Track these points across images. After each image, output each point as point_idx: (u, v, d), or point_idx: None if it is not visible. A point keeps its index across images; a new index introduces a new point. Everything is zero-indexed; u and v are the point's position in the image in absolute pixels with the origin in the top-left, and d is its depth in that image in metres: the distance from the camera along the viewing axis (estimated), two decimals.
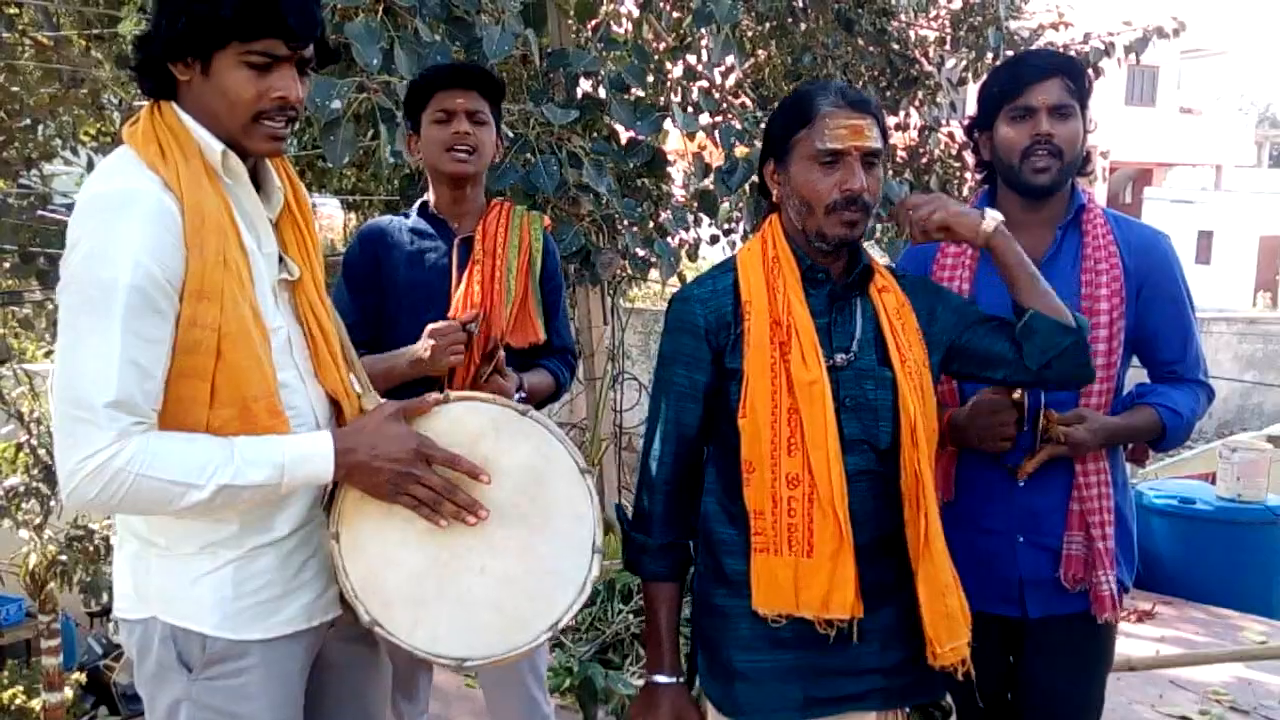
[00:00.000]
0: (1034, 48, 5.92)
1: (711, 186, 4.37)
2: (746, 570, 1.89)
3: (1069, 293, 2.22)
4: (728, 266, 2.00)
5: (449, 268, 2.57)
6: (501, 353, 2.43)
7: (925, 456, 1.89)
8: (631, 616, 4.44)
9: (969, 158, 6.68)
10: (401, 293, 2.57)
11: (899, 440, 1.88)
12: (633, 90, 3.89)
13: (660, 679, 1.98)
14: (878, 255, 2.55)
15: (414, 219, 2.65)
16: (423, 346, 2.38)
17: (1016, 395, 2.14)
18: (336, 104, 2.91)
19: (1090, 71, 5.98)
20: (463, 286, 2.54)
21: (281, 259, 1.81)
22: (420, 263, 2.59)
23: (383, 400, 1.89)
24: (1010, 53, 6.05)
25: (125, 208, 1.58)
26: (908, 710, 1.98)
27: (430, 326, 2.39)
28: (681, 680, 2.00)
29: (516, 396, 2.44)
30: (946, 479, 2.28)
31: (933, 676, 1.94)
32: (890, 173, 6.41)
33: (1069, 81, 2.20)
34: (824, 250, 1.93)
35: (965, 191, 6.84)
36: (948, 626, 1.88)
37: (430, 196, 2.66)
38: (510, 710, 2.67)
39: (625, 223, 4.38)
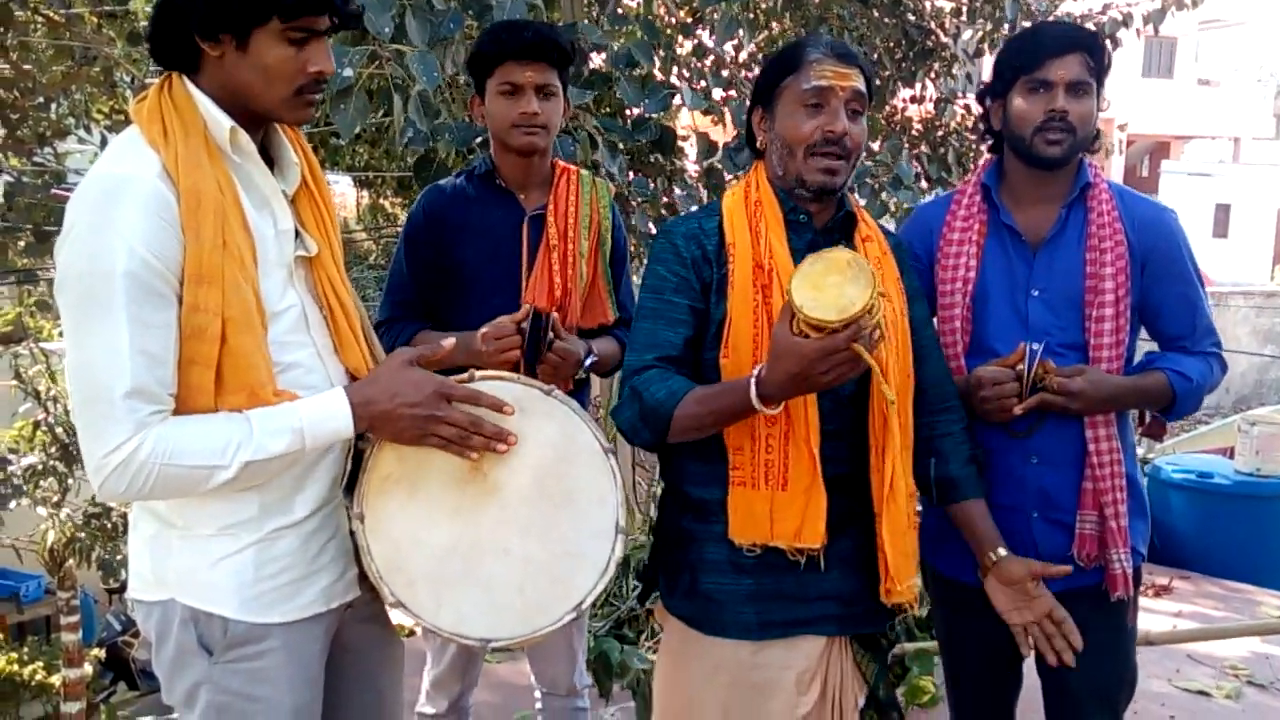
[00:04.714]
0: (1052, 19, 5.86)
1: (719, 164, 4.34)
2: (712, 499, 1.97)
3: (1074, 270, 2.22)
4: (714, 210, 2.05)
5: (519, 246, 2.48)
6: (555, 316, 2.33)
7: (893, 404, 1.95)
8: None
9: None
10: (470, 276, 2.48)
11: (868, 389, 1.95)
12: (641, 67, 3.86)
13: (756, 380, 1.79)
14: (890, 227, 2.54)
15: (478, 189, 2.52)
16: (479, 340, 2.29)
17: (1019, 366, 2.14)
18: (348, 72, 2.88)
19: (1109, 44, 5.96)
20: (534, 273, 2.46)
21: (298, 235, 1.79)
22: (491, 245, 2.48)
23: (401, 350, 1.86)
24: (1027, 24, 5.99)
25: (118, 194, 1.56)
26: (852, 639, 2.05)
27: (483, 331, 2.29)
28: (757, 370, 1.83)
29: (588, 360, 2.41)
30: None
31: (882, 609, 2.03)
32: (906, 147, 6.36)
33: (1089, 58, 2.16)
34: (805, 196, 1.99)
35: (981, 164, 6.78)
36: (905, 565, 1.98)
37: (492, 159, 2.53)
38: (551, 656, 2.70)
39: (636, 201, 4.36)
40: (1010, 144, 2.25)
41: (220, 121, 1.65)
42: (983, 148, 2.97)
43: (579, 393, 2.50)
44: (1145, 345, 2.34)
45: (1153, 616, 4.89)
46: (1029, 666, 2.40)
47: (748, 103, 2.13)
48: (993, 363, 2.18)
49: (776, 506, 1.91)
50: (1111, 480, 2.19)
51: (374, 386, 1.73)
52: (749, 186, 2.03)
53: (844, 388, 1.90)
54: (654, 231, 4.54)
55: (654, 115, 3.89)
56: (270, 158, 1.76)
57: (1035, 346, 2.15)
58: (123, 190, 1.56)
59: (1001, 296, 2.24)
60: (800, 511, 1.91)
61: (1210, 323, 2.32)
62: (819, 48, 1.96)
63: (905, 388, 2.00)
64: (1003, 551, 2.04)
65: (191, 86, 1.65)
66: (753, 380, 1.78)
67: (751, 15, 6.15)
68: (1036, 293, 2.22)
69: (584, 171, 2.61)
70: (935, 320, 2.27)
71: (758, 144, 2.06)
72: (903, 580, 1.97)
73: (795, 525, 1.91)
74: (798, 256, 1.95)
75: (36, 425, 5.93)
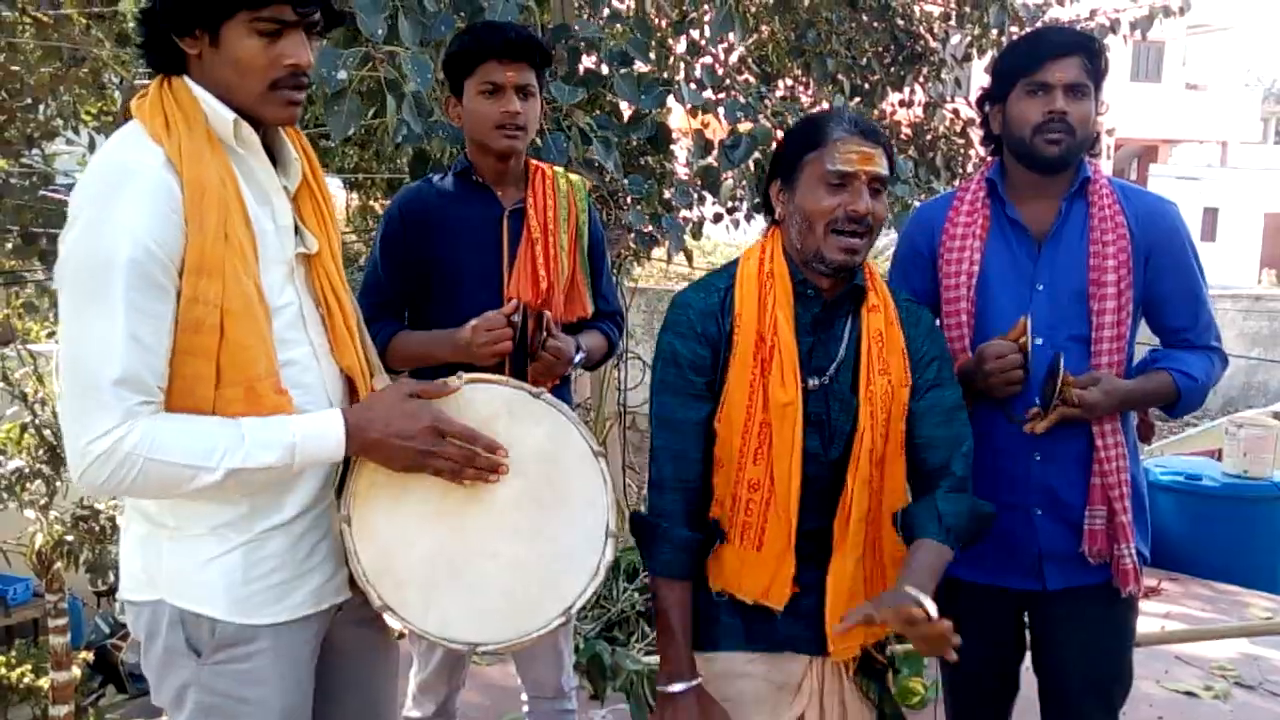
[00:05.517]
0: (1041, 24, 5.89)
1: (715, 163, 4.34)
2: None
3: (1076, 264, 2.23)
4: (728, 275, 2.02)
5: (499, 242, 2.50)
6: (548, 314, 2.38)
7: (865, 473, 1.94)
8: (637, 595, 4.45)
9: (973, 134, 6.66)
10: (451, 273, 2.49)
11: (849, 453, 1.95)
12: (636, 65, 3.86)
13: (678, 688, 1.93)
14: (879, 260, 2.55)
15: (455, 187, 2.54)
16: (469, 333, 2.31)
17: (1022, 340, 2.15)
18: (342, 74, 2.88)
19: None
20: (517, 267, 2.47)
21: (298, 232, 1.78)
22: (470, 241, 2.49)
23: (401, 379, 1.87)
24: (1015, 29, 6.02)
25: (122, 184, 1.56)
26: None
27: (473, 323, 2.32)
28: (698, 681, 1.94)
29: (578, 356, 2.43)
30: None
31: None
32: (895, 149, 6.38)
33: (1087, 61, 2.19)
34: (821, 271, 1.95)
35: (969, 168, 6.81)
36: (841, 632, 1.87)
37: (469, 159, 2.55)
38: (538, 659, 2.69)
39: (630, 199, 4.36)
40: (1010, 147, 2.27)
41: (223, 115, 1.65)
42: (983, 152, 2.99)
43: (561, 388, 2.52)
44: (1143, 347, 2.35)
45: (1141, 618, 4.87)
46: (1025, 668, 2.41)
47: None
48: (995, 338, 2.18)
49: (746, 565, 1.95)
50: (1117, 476, 2.20)
51: (370, 413, 1.73)
52: (764, 256, 2.00)
53: (830, 452, 1.95)
54: (649, 229, 4.55)
55: (650, 111, 3.89)
56: (273, 154, 1.76)
57: (1031, 330, 2.15)
58: (128, 179, 1.56)
59: (1005, 290, 2.25)
60: (770, 574, 1.94)
61: (1212, 317, 2.33)
62: (843, 124, 1.92)
63: (894, 456, 1.98)
64: (910, 590, 1.80)
65: (192, 84, 1.66)
66: None
67: (740, 17, 6.15)
68: (1040, 287, 2.24)
69: (558, 168, 2.63)
70: (940, 318, 2.28)
71: (775, 215, 2.03)
72: (839, 642, 1.93)
73: (764, 585, 1.94)
74: (804, 329, 1.96)
75: (24, 428, 5.89)
